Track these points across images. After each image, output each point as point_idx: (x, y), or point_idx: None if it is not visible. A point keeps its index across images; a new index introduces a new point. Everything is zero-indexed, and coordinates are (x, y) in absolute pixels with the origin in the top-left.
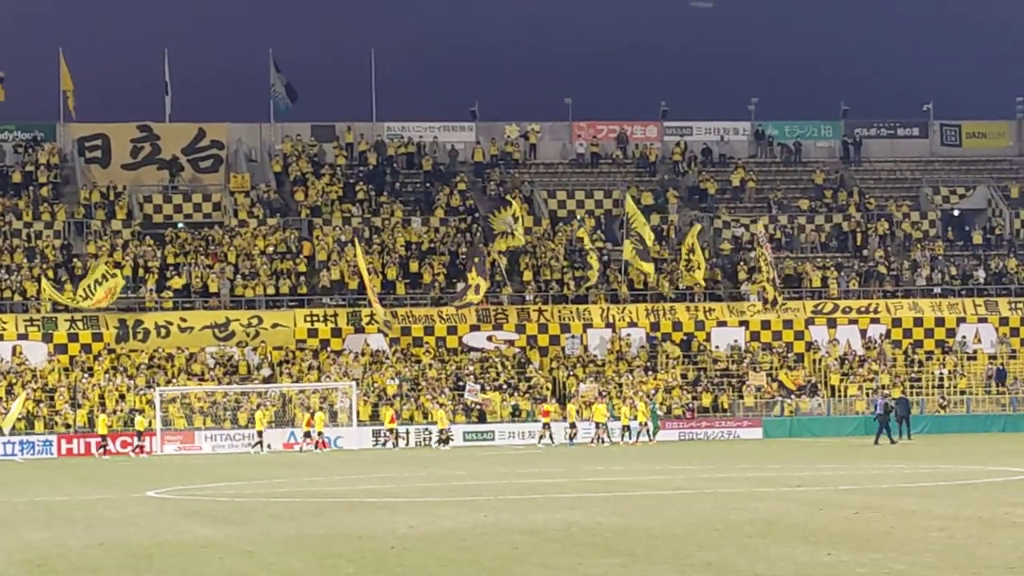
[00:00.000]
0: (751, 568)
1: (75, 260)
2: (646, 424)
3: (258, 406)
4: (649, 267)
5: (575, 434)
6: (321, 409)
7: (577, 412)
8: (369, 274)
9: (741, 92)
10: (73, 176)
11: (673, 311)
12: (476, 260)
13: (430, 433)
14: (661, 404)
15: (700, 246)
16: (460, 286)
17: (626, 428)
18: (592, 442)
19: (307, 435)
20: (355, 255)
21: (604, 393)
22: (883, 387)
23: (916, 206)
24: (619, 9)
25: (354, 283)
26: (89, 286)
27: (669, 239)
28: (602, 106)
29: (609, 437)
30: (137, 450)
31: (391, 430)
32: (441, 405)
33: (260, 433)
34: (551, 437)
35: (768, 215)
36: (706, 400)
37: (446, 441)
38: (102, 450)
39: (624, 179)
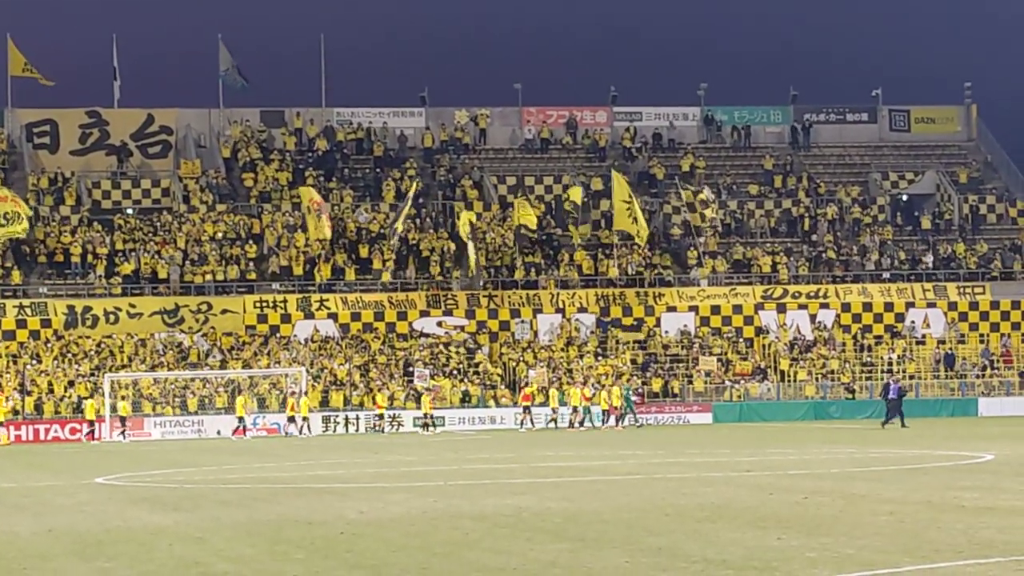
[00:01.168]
0: (701, 553)
1: (23, 247)
2: (620, 408)
3: (238, 391)
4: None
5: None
6: (303, 393)
7: (561, 395)
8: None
9: (690, 77)
10: (21, 162)
11: (623, 296)
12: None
13: (381, 419)
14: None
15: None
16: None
17: (605, 412)
18: (571, 426)
19: (291, 419)
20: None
21: (574, 379)
22: (890, 371)
23: (865, 191)
24: None
25: (300, 269)
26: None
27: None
28: (552, 91)
29: (592, 421)
30: (118, 434)
31: (381, 415)
32: (427, 390)
33: (241, 419)
34: (531, 421)
35: (718, 200)
36: (656, 385)
37: (429, 426)
38: (88, 435)
39: (574, 164)
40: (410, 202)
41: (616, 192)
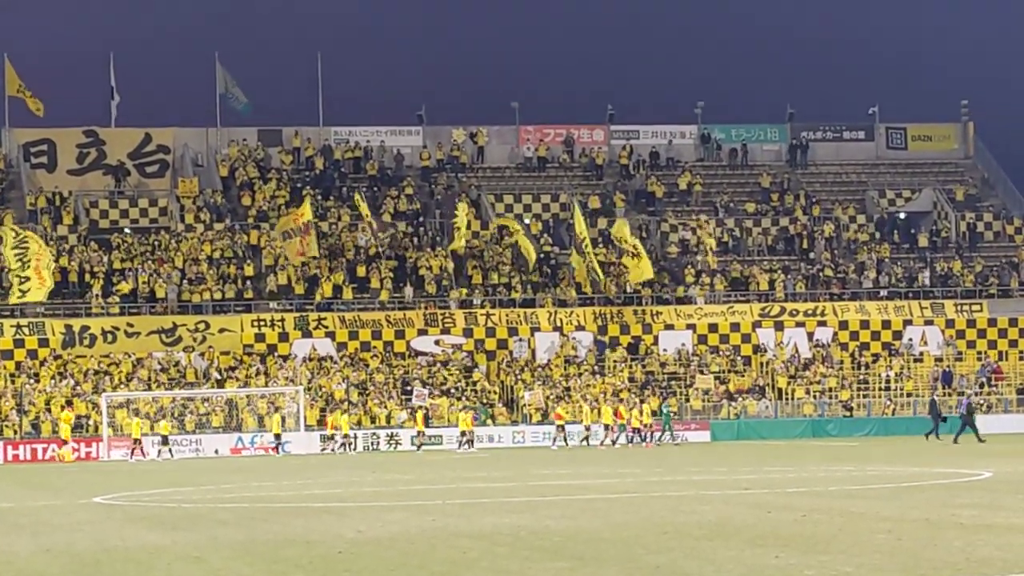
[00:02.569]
0: (699, 571)
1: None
2: (651, 426)
3: (276, 409)
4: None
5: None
6: (345, 411)
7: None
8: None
9: (687, 96)
10: (19, 181)
11: (620, 315)
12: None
13: (378, 437)
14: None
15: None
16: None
17: (636, 431)
18: (601, 444)
19: (330, 438)
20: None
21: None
22: (963, 388)
23: (862, 209)
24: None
25: (299, 288)
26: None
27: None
28: (549, 110)
29: (626, 439)
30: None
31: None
32: (464, 408)
33: (278, 436)
34: (565, 440)
35: (715, 218)
36: (654, 403)
37: (469, 443)
38: (133, 452)
39: (571, 183)
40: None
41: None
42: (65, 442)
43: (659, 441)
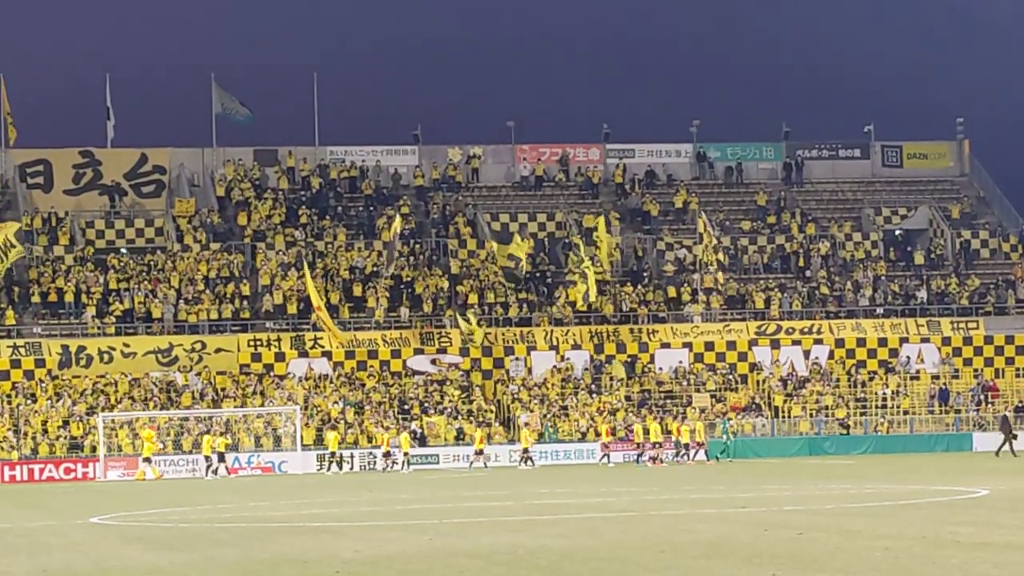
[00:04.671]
0: None
1: (15, 287)
2: (705, 443)
3: (330, 425)
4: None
5: (679, 453)
6: (393, 429)
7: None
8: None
9: (683, 114)
10: (15, 201)
11: (616, 333)
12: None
13: (374, 457)
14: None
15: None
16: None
17: (685, 447)
18: (662, 461)
19: (387, 455)
20: (302, 278)
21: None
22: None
23: (858, 227)
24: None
25: (294, 307)
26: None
27: (613, 261)
28: (545, 129)
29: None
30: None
31: (480, 451)
32: (526, 424)
33: (333, 454)
34: (609, 457)
35: (711, 236)
36: (650, 422)
37: (528, 460)
38: (220, 468)
39: (567, 201)
40: (398, 239)
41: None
42: (147, 460)
43: (726, 457)
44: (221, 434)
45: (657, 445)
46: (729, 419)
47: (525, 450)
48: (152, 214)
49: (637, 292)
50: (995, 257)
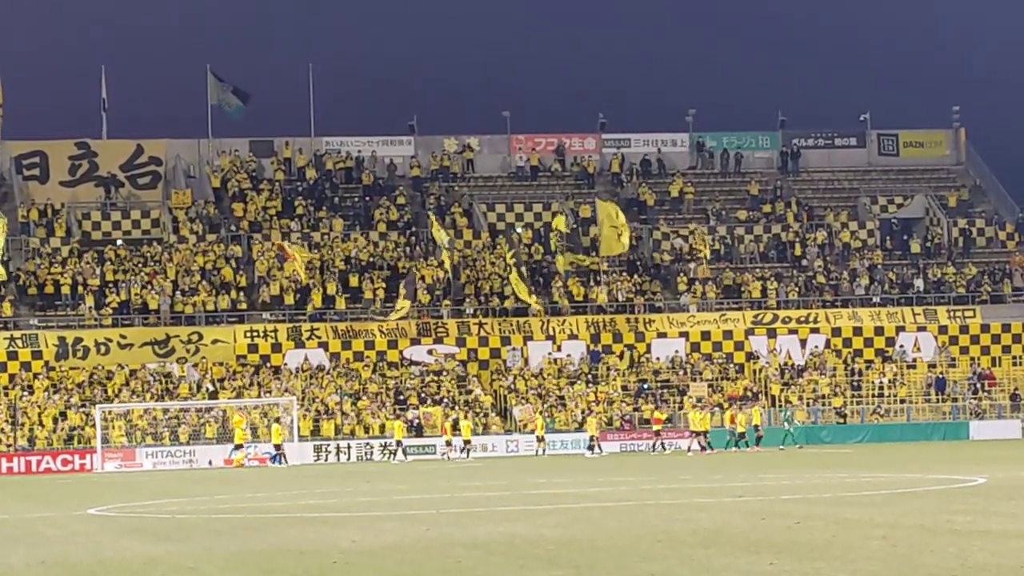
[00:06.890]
0: None
1: (12, 283)
2: (760, 431)
3: (276, 420)
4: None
5: (705, 444)
6: (466, 417)
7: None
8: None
9: (679, 103)
10: (11, 193)
11: (613, 323)
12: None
13: (371, 448)
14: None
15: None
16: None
17: (741, 436)
18: (688, 451)
19: (448, 443)
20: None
21: (701, 403)
22: None
23: (854, 215)
24: (555, 23)
25: (291, 298)
26: None
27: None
28: (540, 119)
29: (709, 445)
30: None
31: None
32: (596, 414)
33: (399, 442)
34: (663, 445)
35: (707, 226)
36: (647, 411)
37: (594, 448)
38: (280, 458)
39: (563, 191)
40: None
41: (603, 219)
42: (239, 446)
43: (791, 444)
44: (275, 422)
45: (703, 435)
46: (789, 408)
47: (592, 437)
48: (148, 205)
49: (634, 282)
50: (991, 245)
